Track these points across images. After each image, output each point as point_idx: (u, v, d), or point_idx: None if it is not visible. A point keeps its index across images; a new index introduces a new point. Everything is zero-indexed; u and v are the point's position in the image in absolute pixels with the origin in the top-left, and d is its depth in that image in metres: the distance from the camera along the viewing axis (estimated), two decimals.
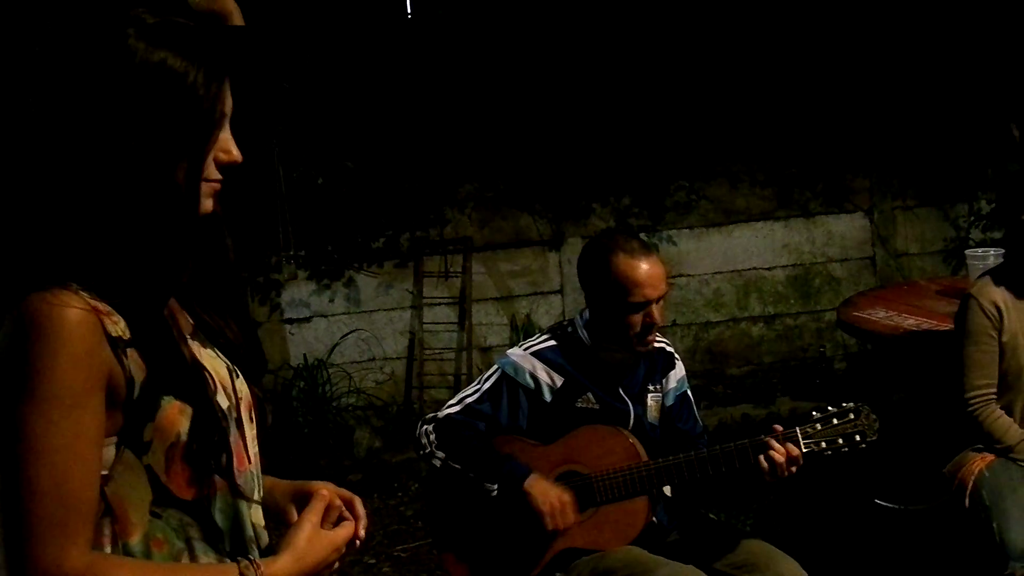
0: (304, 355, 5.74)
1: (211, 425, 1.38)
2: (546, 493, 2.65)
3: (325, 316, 5.85)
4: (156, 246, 1.34)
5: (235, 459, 1.43)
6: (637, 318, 2.73)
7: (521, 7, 5.77)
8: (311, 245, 5.77)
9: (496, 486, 2.69)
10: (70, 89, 1.31)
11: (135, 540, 1.34)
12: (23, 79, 1.35)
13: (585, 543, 2.73)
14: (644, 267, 2.71)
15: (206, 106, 1.34)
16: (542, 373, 2.82)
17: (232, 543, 1.42)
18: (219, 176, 1.39)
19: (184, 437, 1.36)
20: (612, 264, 2.73)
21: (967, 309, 3.09)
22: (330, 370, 5.72)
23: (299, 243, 5.74)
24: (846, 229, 6.25)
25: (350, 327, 5.84)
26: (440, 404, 2.94)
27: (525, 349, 2.88)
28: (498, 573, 2.77)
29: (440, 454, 2.75)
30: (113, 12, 1.32)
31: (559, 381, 2.82)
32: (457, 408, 2.82)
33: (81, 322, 1.27)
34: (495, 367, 2.88)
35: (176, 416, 1.35)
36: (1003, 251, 3.33)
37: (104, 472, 1.31)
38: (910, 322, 3.77)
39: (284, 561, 1.43)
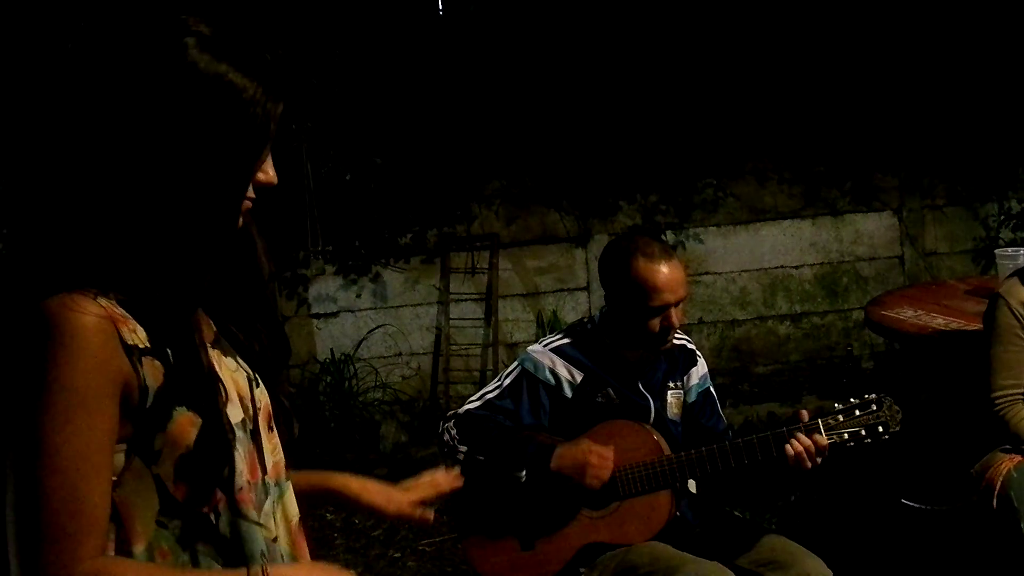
0: (331, 350, 5.78)
1: (217, 438, 1.36)
2: (574, 448, 2.67)
3: (352, 311, 5.89)
4: (189, 257, 1.34)
5: (246, 471, 1.41)
6: (656, 322, 2.74)
7: (550, 5, 5.78)
8: (338, 240, 5.80)
9: (524, 471, 2.70)
10: (125, 98, 1.29)
11: (139, 549, 1.33)
12: (74, 83, 1.33)
13: (609, 538, 2.74)
14: (664, 271, 2.72)
15: (261, 124, 1.33)
16: (562, 369, 2.83)
17: (237, 558, 1.40)
18: (253, 195, 1.38)
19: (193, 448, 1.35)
20: (632, 267, 2.74)
21: (995, 309, 3.07)
22: (356, 365, 5.76)
23: (327, 238, 5.78)
24: (874, 228, 6.21)
25: (377, 322, 5.87)
26: (465, 400, 2.95)
27: (545, 345, 2.89)
28: (523, 567, 2.78)
29: (463, 448, 2.76)
30: (170, 21, 1.31)
31: (579, 377, 2.83)
32: (478, 404, 2.84)
33: (97, 328, 1.26)
34: (515, 364, 2.90)
35: (187, 427, 1.34)
36: None
37: (114, 478, 1.31)
38: (938, 321, 3.75)
39: (298, 570, 1.44)
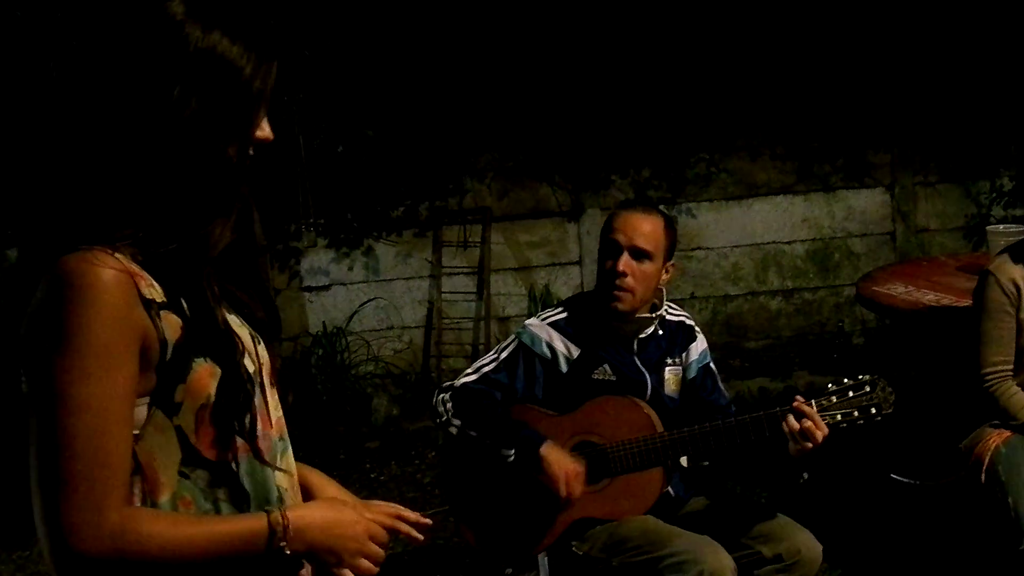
0: (323, 323, 5.78)
1: (238, 386, 1.40)
2: (560, 460, 2.68)
3: (344, 284, 5.88)
4: (197, 212, 1.37)
5: (260, 421, 1.45)
6: (608, 262, 2.79)
7: None
8: (331, 213, 5.79)
9: (512, 452, 2.71)
10: (124, 67, 1.33)
11: (164, 499, 1.36)
12: (76, 54, 1.38)
13: (600, 513, 2.75)
14: (625, 213, 2.83)
15: (256, 88, 1.38)
16: (559, 343, 2.84)
17: (257, 506, 1.44)
18: (253, 152, 1.42)
19: (213, 399, 1.38)
20: (610, 215, 2.89)
21: (985, 285, 3.08)
22: (349, 338, 5.76)
23: (319, 211, 5.76)
24: (866, 204, 6.22)
25: (369, 295, 5.87)
26: (458, 373, 2.96)
27: (542, 320, 2.90)
28: (515, 540, 2.80)
29: (456, 422, 2.78)
30: None
31: (575, 352, 2.83)
32: (474, 377, 2.84)
33: (116, 282, 1.29)
34: (512, 337, 2.91)
35: (207, 378, 1.37)
36: None
37: (135, 432, 1.34)
38: (929, 297, 3.77)
39: (313, 512, 1.45)
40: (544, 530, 2.77)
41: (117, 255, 1.32)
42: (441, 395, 2.82)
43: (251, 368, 1.44)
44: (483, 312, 5.91)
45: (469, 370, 2.89)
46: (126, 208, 1.34)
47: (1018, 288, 3.03)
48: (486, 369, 2.85)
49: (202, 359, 1.37)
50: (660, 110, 5.92)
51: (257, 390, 1.46)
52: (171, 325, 1.35)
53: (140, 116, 1.33)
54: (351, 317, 5.82)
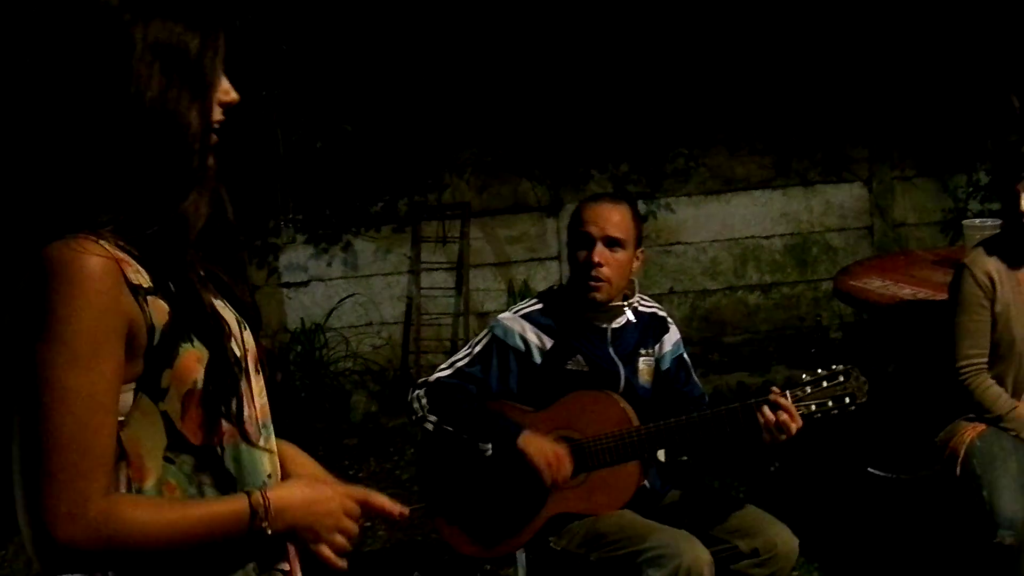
0: (301, 319, 5.76)
1: (225, 370, 1.40)
2: (541, 447, 2.68)
3: (323, 280, 5.86)
4: (178, 187, 1.37)
5: (245, 407, 1.45)
6: (582, 254, 2.80)
7: None
8: (309, 209, 5.76)
9: (490, 445, 2.71)
10: (78, 65, 1.34)
11: (149, 484, 1.36)
12: (31, 52, 1.39)
13: (578, 508, 2.75)
14: (595, 205, 2.85)
15: (207, 61, 1.39)
16: (532, 335, 2.84)
17: (241, 488, 1.44)
18: (222, 117, 1.43)
19: (200, 384, 1.39)
20: (577, 209, 2.90)
21: (960, 279, 3.10)
22: (327, 334, 5.74)
23: (297, 207, 5.74)
24: (844, 198, 6.25)
25: (347, 291, 5.85)
26: (436, 368, 2.96)
27: (515, 312, 2.90)
28: (492, 537, 2.79)
29: (432, 418, 2.77)
30: None
31: (549, 343, 2.84)
32: (448, 372, 2.84)
33: (102, 269, 1.29)
34: (485, 331, 2.91)
35: (193, 363, 1.38)
36: (1000, 222, 3.33)
37: (121, 418, 1.34)
38: (906, 292, 3.78)
39: (293, 491, 1.46)
40: (522, 526, 2.77)
41: (101, 241, 1.32)
42: (416, 391, 2.82)
43: (237, 352, 1.45)
44: (462, 308, 5.90)
45: (443, 365, 2.89)
46: (103, 192, 1.35)
47: (993, 281, 3.05)
48: (460, 364, 2.85)
49: (188, 344, 1.38)
50: (639, 105, 5.93)
51: (242, 375, 1.46)
52: (158, 310, 1.35)
53: (102, 107, 1.34)
54: (330, 313, 5.80)
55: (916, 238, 6.25)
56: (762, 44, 5.90)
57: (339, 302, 5.83)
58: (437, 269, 5.91)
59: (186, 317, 1.37)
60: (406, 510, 1.62)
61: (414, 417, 2.81)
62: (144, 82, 1.34)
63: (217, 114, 1.42)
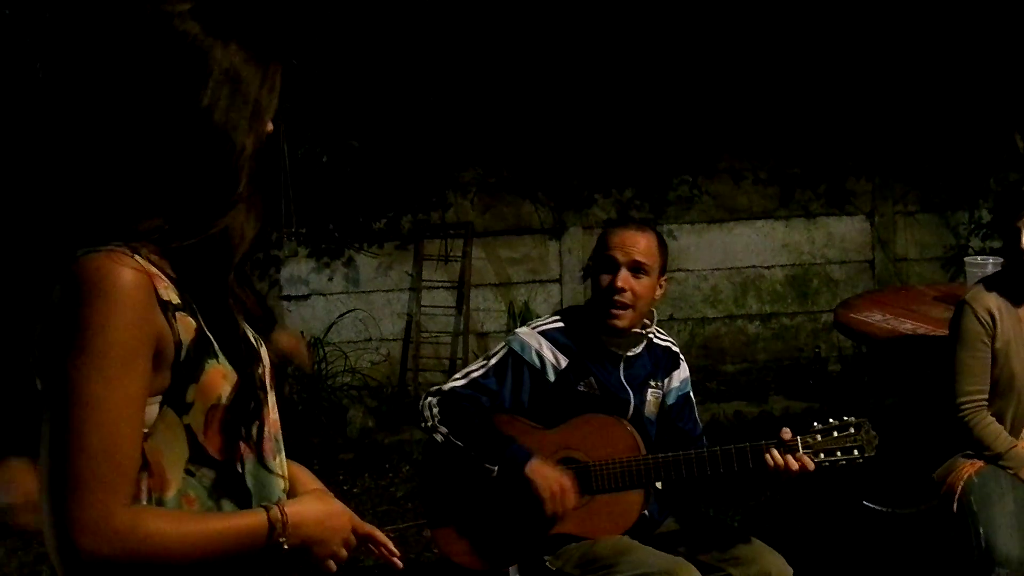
0: (301, 332, 5.75)
1: (251, 395, 1.43)
2: (547, 477, 2.67)
3: (323, 295, 5.87)
4: (224, 203, 1.41)
5: (264, 425, 1.48)
6: (606, 278, 2.80)
7: None
8: (312, 223, 5.77)
9: (497, 468, 2.71)
10: (153, 82, 1.38)
11: (169, 496, 1.38)
12: (98, 63, 1.42)
13: (578, 530, 2.74)
14: (622, 230, 2.85)
15: (268, 91, 1.45)
16: (548, 353, 2.84)
17: (258, 503, 1.47)
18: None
19: (224, 400, 1.41)
20: (604, 232, 2.90)
21: (961, 315, 3.11)
22: (326, 349, 5.74)
23: (300, 220, 5.75)
24: (846, 231, 6.26)
25: (348, 307, 5.85)
26: (451, 378, 2.95)
27: (533, 328, 2.91)
28: (489, 551, 2.79)
29: (443, 429, 2.77)
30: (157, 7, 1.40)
31: (564, 362, 2.84)
32: (463, 382, 2.84)
33: (135, 283, 1.31)
34: (502, 344, 2.91)
35: (218, 379, 1.40)
36: (1001, 259, 3.34)
37: (145, 429, 1.35)
38: (906, 326, 3.79)
39: (308, 507, 1.49)
40: (519, 544, 2.76)
41: (136, 256, 1.34)
42: (429, 399, 2.82)
43: (264, 376, 1.48)
44: (462, 327, 5.90)
45: (458, 375, 2.89)
46: (150, 202, 1.37)
47: (994, 318, 3.06)
48: (475, 375, 2.85)
49: (214, 360, 1.40)
50: (644, 131, 5.95)
51: (265, 398, 1.49)
52: (185, 327, 1.37)
53: (171, 121, 1.37)
54: (329, 327, 5.80)
55: (917, 273, 6.26)
56: (769, 76, 5.94)
57: (339, 317, 5.83)
58: (438, 287, 5.92)
59: (220, 340, 1.41)
60: (400, 565, 1.70)
61: (425, 425, 2.80)
62: (214, 103, 1.38)
63: (262, 144, 1.47)
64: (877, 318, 3.93)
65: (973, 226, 6.26)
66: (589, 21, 5.81)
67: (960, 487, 3.03)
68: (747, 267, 6.20)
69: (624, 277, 2.77)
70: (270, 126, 1.48)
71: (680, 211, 6.13)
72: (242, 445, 1.44)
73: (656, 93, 5.90)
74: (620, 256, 2.78)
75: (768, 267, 6.22)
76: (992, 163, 6.14)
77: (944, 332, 3.31)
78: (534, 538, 2.75)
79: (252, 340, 1.48)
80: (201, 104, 1.38)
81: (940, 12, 5.91)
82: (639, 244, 2.80)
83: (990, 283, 3.15)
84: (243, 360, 1.43)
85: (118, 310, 1.29)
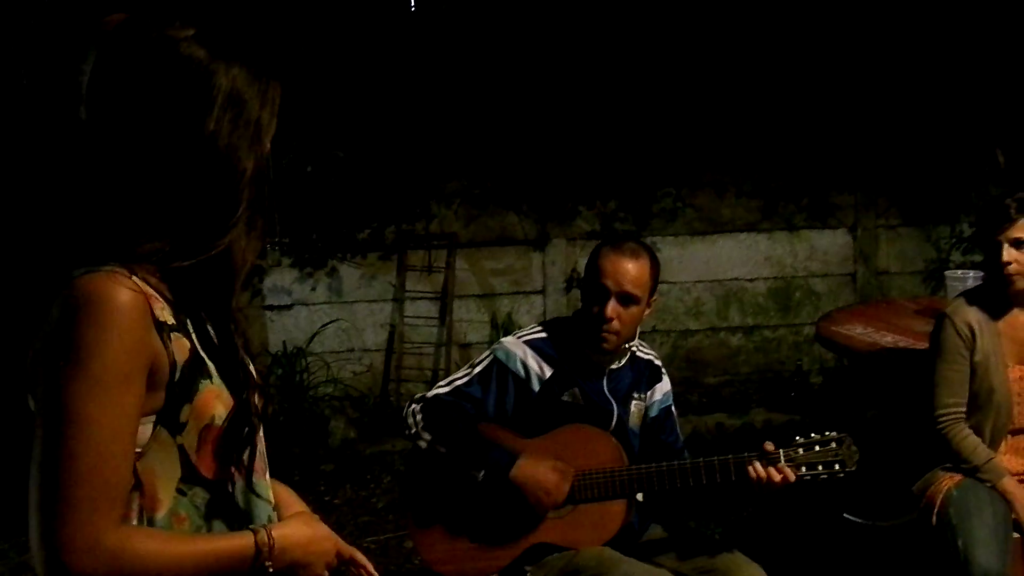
0: (283, 342, 5.74)
1: (245, 421, 1.45)
2: (535, 474, 2.67)
3: (306, 304, 5.86)
4: (226, 223, 1.42)
5: (256, 450, 1.51)
6: (595, 306, 2.79)
7: (519, 9, 5.79)
8: (296, 233, 5.77)
9: (482, 473, 2.70)
10: (156, 104, 1.39)
11: (160, 515, 1.39)
12: (102, 85, 1.42)
13: (560, 539, 2.74)
14: (614, 259, 2.79)
15: (269, 112, 1.48)
16: (532, 362, 2.84)
17: (247, 524, 1.48)
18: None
19: (218, 420, 1.42)
20: (597, 252, 2.84)
21: (941, 328, 3.12)
22: (308, 359, 5.73)
23: (284, 230, 5.74)
24: (829, 245, 6.30)
25: (331, 317, 5.84)
26: (434, 386, 2.95)
27: (518, 337, 2.91)
28: (471, 559, 2.78)
29: (426, 435, 2.76)
30: (161, 30, 1.41)
31: (548, 372, 2.84)
32: (446, 389, 2.83)
33: (132, 304, 1.32)
34: (487, 352, 2.91)
35: (212, 400, 1.41)
36: (982, 273, 3.36)
37: (138, 449, 1.36)
38: (887, 339, 3.80)
39: (295, 530, 1.51)
40: (501, 552, 2.75)
41: (134, 277, 1.35)
42: (412, 406, 2.81)
43: (256, 400, 1.50)
44: (445, 338, 5.90)
45: (442, 383, 2.88)
46: (150, 223, 1.38)
47: (973, 332, 3.07)
48: (459, 382, 2.85)
49: (208, 380, 1.41)
50: (628, 143, 5.97)
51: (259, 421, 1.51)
52: (180, 348, 1.38)
53: (176, 144, 1.38)
54: (312, 338, 5.79)
55: (898, 286, 6.30)
56: (753, 90, 5.97)
57: (322, 327, 5.82)
58: (421, 298, 5.92)
59: (218, 363, 1.43)
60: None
61: (408, 432, 2.80)
62: (219, 128, 1.40)
63: (263, 165, 1.49)
64: (859, 331, 3.95)
65: (954, 240, 6.30)
66: (574, 34, 5.84)
67: (940, 500, 3.04)
68: (730, 280, 6.23)
69: (613, 307, 2.77)
70: (268, 146, 1.49)
71: (664, 223, 6.14)
72: (231, 469, 1.46)
73: (641, 106, 5.93)
74: (611, 285, 2.77)
75: (751, 280, 6.25)
76: (973, 178, 6.19)
77: (924, 345, 3.33)
78: (513, 546, 2.74)
79: (249, 365, 1.49)
80: (207, 129, 1.39)
81: (923, 28, 5.96)
82: (630, 273, 2.78)
83: (971, 297, 3.17)
84: (240, 385, 1.45)
85: (114, 330, 1.29)
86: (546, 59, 5.82)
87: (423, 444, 2.77)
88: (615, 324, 2.77)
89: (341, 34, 5.66)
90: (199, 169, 1.38)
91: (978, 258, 6.07)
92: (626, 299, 2.78)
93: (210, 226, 1.40)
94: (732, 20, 5.93)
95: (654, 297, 2.89)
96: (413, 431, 2.78)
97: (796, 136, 6.08)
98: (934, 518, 3.05)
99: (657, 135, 5.98)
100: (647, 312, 2.87)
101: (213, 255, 1.41)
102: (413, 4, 5.95)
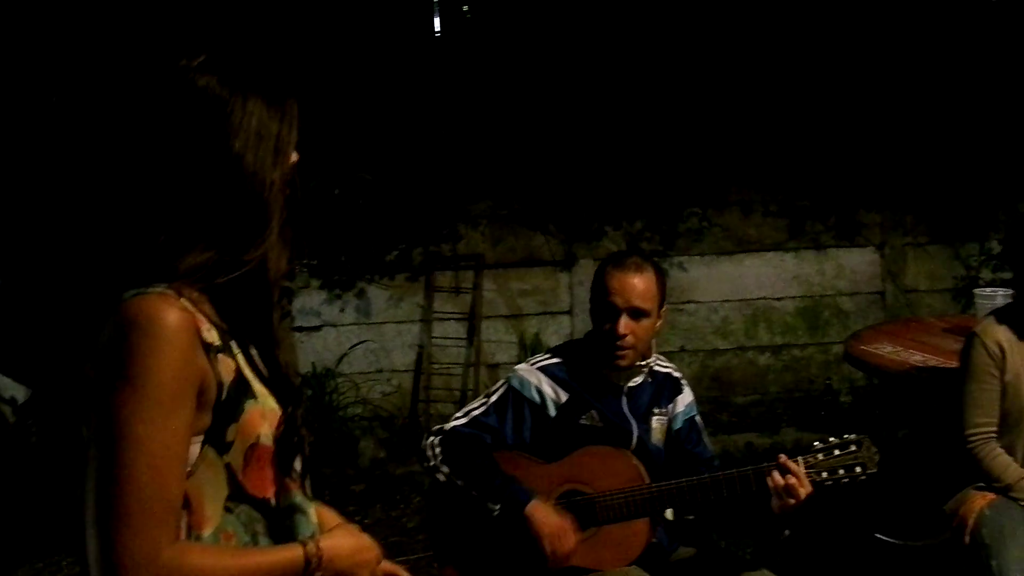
0: (312, 363, 5.77)
1: (295, 432, 1.50)
2: (547, 518, 2.68)
3: (335, 326, 5.89)
4: (258, 235, 1.47)
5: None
6: (607, 324, 2.79)
7: (543, 31, 5.82)
8: (324, 255, 5.81)
9: (498, 506, 2.71)
10: (180, 126, 1.44)
11: (207, 532, 1.42)
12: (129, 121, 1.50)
13: (585, 563, 2.74)
14: (619, 276, 2.80)
15: (288, 130, 1.53)
16: (547, 388, 2.85)
17: (292, 539, 1.52)
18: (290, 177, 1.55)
19: (263, 440, 1.46)
20: (601, 272, 2.86)
21: (971, 347, 3.11)
22: (338, 380, 5.76)
23: (313, 252, 5.78)
24: (857, 263, 6.27)
25: (359, 338, 5.88)
26: (446, 418, 2.96)
27: (532, 364, 2.92)
28: None
29: (445, 469, 2.78)
30: (175, 60, 1.48)
31: (564, 397, 2.85)
32: (463, 421, 2.85)
33: (183, 327, 1.36)
34: (502, 381, 2.92)
35: (257, 419, 1.45)
36: (1012, 291, 3.35)
37: (188, 468, 1.40)
38: (917, 358, 3.78)
39: (341, 541, 1.55)
40: None
41: (182, 299, 1.39)
42: (430, 439, 2.83)
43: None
44: (473, 358, 5.92)
45: (459, 414, 2.89)
46: (189, 242, 1.43)
47: (1003, 351, 3.06)
48: (476, 413, 2.86)
49: (253, 400, 1.45)
50: (654, 163, 5.98)
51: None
52: (226, 368, 1.42)
53: (205, 165, 1.44)
54: (341, 359, 5.82)
55: (927, 305, 6.26)
56: (779, 108, 5.97)
57: (350, 348, 5.85)
58: (449, 319, 5.94)
59: (263, 379, 1.47)
60: None
61: (426, 465, 2.81)
62: (242, 148, 1.45)
63: (288, 176, 1.54)
64: (887, 350, 3.93)
65: (984, 257, 6.26)
66: (600, 55, 5.86)
67: (973, 519, 3.02)
68: (757, 299, 6.21)
69: (625, 323, 2.77)
70: (295, 156, 1.55)
71: (690, 243, 6.14)
72: (287, 481, 1.50)
73: (666, 126, 5.94)
74: (619, 302, 2.78)
75: (779, 299, 6.23)
76: (1002, 194, 6.15)
77: (954, 364, 3.32)
78: (541, 572, 2.75)
79: (292, 378, 1.54)
80: (231, 151, 1.44)
81: (949, 45, 5.95)
82: (637, 288, 2.79)
83: (1001, 315, 3.15)
84: (288, 397, 1.50)
85: (164, 351, 1.33)
86: (571, 80, 5.85)
87: (441, 477, 2.78)
88: (629, 339, 2.78)
89: (368, 58, 5.71)
90: (228, 186, 1.44)
91: (1008, 275, 6.05)
92: (636, 313, 2.78)
93: (245, 239, 1.45)
94: (757, 39, 5.94)
95: (664, 308, 2.89)
96: (432, 464, 2.80)
97: (822, 154, 6.07)
98: (967, 538, 3.03)
99: (683, 154, 5.98)
100: (659, 324, 2.88)
101: (250, 268, 1.46)
102: (438, 28, 6.00)
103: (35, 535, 4.22)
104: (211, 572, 1.37)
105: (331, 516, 1.68)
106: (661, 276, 2.89)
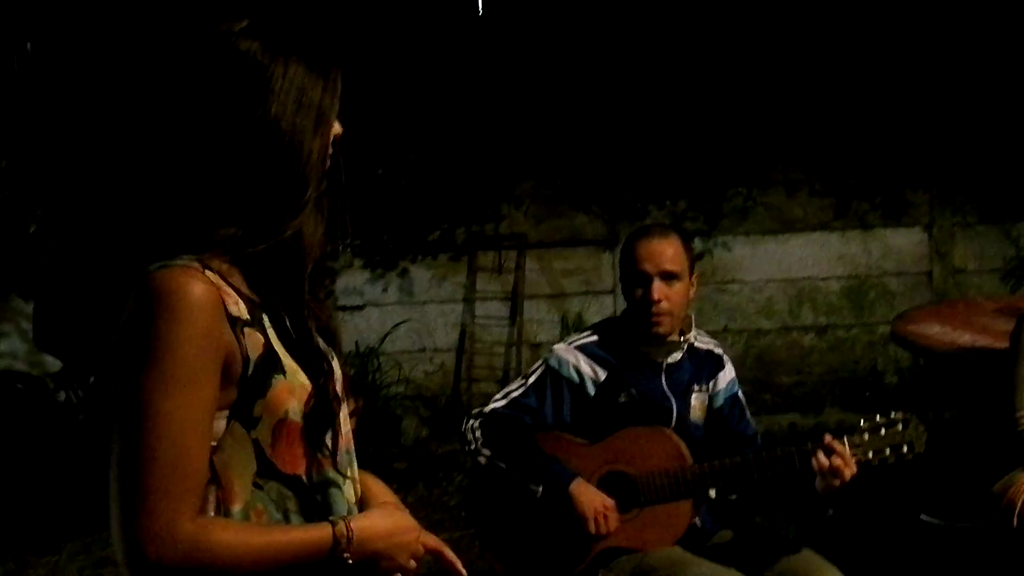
0: (355, 342, 5.81)
1: (325, 407, 1.46)
2: (591, 498, 2.68)
3: (378, 305, 5.92)
4: (294, 207, 1.45)
5: (341, 436, 1.51)
6: (638, 291, 2.79)
7: (588, 9, 5.79)
8: (367, 234, 5.83)
9: (541, 487, 2.72)
10: (219, 98, 1.42)
11: (237, 508, 1.41)
12: (164, 83, 1.49)
13: (628, 543, 2.75)
14: (645, 241, 2.82)
15: (330, 98, 1.50)
16: (586, 367, 2.85)
17: (326, 517, 1.48)
18: (332, 150, 1.53)
19: (291, 415, 1.44)
20: (628, 246, 2.86)
21: (1021, 328, 3.06)
22: (380, 359, 5.79)
23: (356, 232, 5.80)
24: (903, 243, 6.20)
25: (402, 317, 5.91)
26: (488, 398, 2.97)
27: (569, 344, 2.92)
28: (542, 569, 2.80)
29: (486, 451, 2.79)
30: (215, 26, 1.45)
31: (603, 375, 2.84)
32: (503, 403, 2.85)
33: (207, 300, 1.34)
34: (540, 362, 2.93)
35: (285, 394, 1.43)
36: None
37: (213, 443, 1.39)
38: (965, 339, 3.74)
39: (375, 522, 1.50)
40: (571, 560, 2.77)
41: (207, 271, 1.37)
42: (471, 422, 2.84)
43: (337, 387, 1.51)
44: (515, 338, 5.93)
45: (498, 396, 2.90)
46: (223, 210, 1.41)
47: None
48: (515, 394, 2.87)
49: (281, 375, 1.42)
50: (698, 142, 5.94)
51: (339, 408, 1.52)
52: (254, 343, 1.40)
53: (242, 132, 1.41)
54: (384, 338, 5.86)
55: (976, 285, 6.17)
56: (825, 86, 5.90)
57: (393, 327, 5.88)
58: (492, 299, 5.95)
59: (293, 352, 1.44)
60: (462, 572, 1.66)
61: (468, 448, 2.82)
62: (281, 113, 1.42)
63: (329, 147, 1.51)
64: (936, 330, 3.89)
65: None
66: (646, 34, 5.83)
67: (1021, 502, 2.99)
68: (802, 279, 6.16)
69: (658, 287, 2.77)
70: (338, 127, 1.53)
71: (734, 222, 6.10)
72: (318, 456, 1.47)
73: (711, 104, 5.90)
74: (650, 268, 2.78)
75: (824, 279, 6.18)
76: None
77: (1004, 345, 3.27)
78: (583, 555, 2.75)
79: (324, 352, 1.50)
80: (269, 117, 1.42)
81: (1001, 20, 5.84)
82: (666, 253, 2.79)
83: None
84: (317, 371, 1.46)
85: (188, 325, 1.32)
86: (617, 59, 5.82)
87: (483, 460, 2.79)
88: (664, 304, 2.77)
89: (412, 38, 5.71)
90: (265, 156, 1.41)
91: None
92: (668, 276, 2.78)
93: (281, 209, 1.43)
94: (803, 17, 5.87)
95: (695, 275, 2.89)
96: (473, 447, 2.81)
97: (868, 132, 5.99)
98: (1015, 520, 2.99)
99: (727, 133, 5.94)
100: (693, 291, 2.87)
101: (285, 239, 1.44)
102: (481, 6, 5.99)
103: (83, 510, 4.29)
104: (232, 548, 1.35)
105: (381, 491, 1.64)
106: (687, 241, 2.89)
